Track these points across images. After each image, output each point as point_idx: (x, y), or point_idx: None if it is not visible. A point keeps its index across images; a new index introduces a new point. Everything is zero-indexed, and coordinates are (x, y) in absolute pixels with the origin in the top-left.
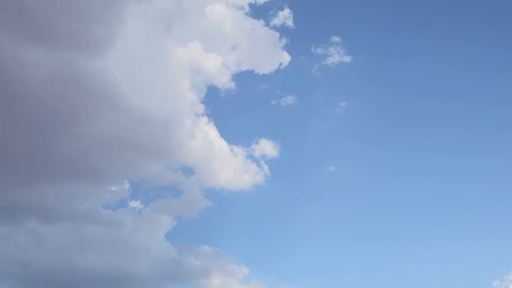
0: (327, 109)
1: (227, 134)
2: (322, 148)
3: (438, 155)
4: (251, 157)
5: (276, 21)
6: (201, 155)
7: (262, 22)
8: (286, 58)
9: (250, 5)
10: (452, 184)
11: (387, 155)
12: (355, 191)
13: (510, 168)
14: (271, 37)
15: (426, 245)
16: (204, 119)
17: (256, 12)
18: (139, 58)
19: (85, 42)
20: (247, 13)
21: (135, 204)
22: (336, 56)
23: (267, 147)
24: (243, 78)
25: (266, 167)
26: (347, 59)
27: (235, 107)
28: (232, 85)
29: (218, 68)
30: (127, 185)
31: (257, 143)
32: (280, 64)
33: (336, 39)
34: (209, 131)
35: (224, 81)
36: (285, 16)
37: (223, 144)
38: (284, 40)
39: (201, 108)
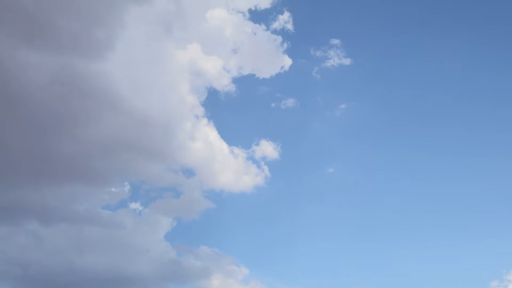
0: (327, 111)
1: (227, 135)
2: (321, 150)
3: (436, 156)
4: (251, 158)
5: (276, 25)
6: (202, 157)
7: (262, 26)
8: (287, 62)
9: (250, 9)
10: (451, 184)
11: (386, 157)
12: (354, 192)
13: (509, 168)
14: (272, 41)
15: (425, 245)
16: (204, 121)
17: (256, 16)
18: (139, 60)
19: (86, 44)
20: (247, 17)
21: (135, 205)
22: (336, 58)
23: (267, 149)
24: (244, 81)
25: (266, 168)
26: (347, 61)
27: (235, 109)
28: (232, 87)
29: (218, 71)
30: (127, 187)
31: (257, 144)
32: (282, 67)
33: (335, 41)
34: (209, 133)
35: (224, 83)
36: (285, 19)
37: (223, 145)
38: (285, 44)
39: (201, 110)
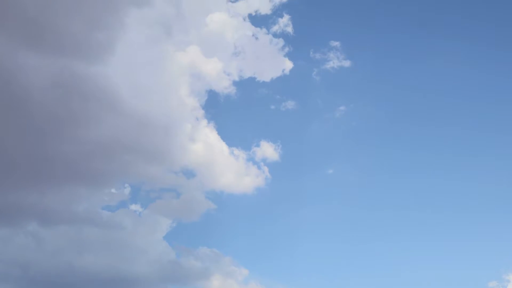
0: (327, 113)
1: (227, 137)
2: (321, 151)
3: (435, 157)
4: (251, 160)
5: (276, 28)
6: (202, 158)
7: (262, 29)
8: (288, 65)
9: (250, 12)
10: (450, 185)
11: (385, 158)
12: (353, 194)
13: (508, 168)
14: (274, 44)
15: (423, 245)
16: (205, 122)
17: (256, 19)
18: (139, 62)
19: (86, 47)
20: (247, 20)
21: (135, 206)
22: (335, 61)
23: (267, 150)
24: (244, 83)
25: (266, 169)
26: (346, 63)
27: (236, 111)
28: (232, 89)
29: (218, 73)
30: (127, 188)
31: (257, 146)
32: (283, 70)
33: (335, 43)
34: (210, 134)
35: (224, 85)
36: (284, 23)
37: (224, 147)
38: (285, 47)
39: (201, 111)
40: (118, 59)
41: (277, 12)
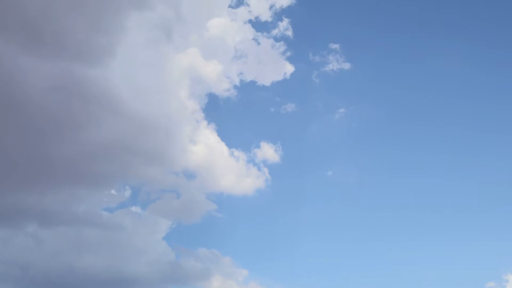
0: (326, 115)
1: (228, 139)
2: (320, 153)
3: (433, 158)
4: (252, 161)
5: (276, 32)
6: (202, 160)
7: (263, 33)
8: (289, 68)
9: (251, 16)
10: (448, 185)
11: (384, 160)
12: (352, 195)
13: (507, 168)
14: (276, 48)
15: (422, 245)
16: (205, 124)
17: (257, 23)
18: (140, 65)
19: (87, 49)
20: (248, 24)
21: (135, 207)
22: (335, 63)
23: (268, 152)
24: (244, 86)
25: (266, 171)
26: (346, 66)
27: (236, 113)
28: (233, 92)
29: (218, 76)
30: (127, 189)
31: (258, 147)
32: (284, 74)
33: (334, 46)
34: (210, 136)
35: (224, 88)
36: (284, 26)
37: (224, 148)
38: (286, 51)
39: (201, 113)
40: (118, 62)
41: (277, 15)
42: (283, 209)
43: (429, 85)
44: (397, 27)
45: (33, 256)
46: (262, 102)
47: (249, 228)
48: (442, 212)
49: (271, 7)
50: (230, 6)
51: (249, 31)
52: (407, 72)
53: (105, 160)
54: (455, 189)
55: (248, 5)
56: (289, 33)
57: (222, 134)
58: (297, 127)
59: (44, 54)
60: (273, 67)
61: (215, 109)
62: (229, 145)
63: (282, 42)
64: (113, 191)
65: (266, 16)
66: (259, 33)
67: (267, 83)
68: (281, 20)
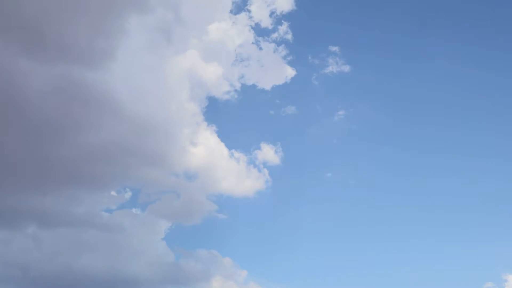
0: (326, 117)
1: (228, 140)
2: (320, 155)
3: (432, 159)
4: (252, 163)
5: (276, 36)
6: (203, 162)
7: (263, 37)
8: (290, 72)
9: (251, 22)
10: (447, 186)
11: (383, 161)
12: (351, 196)
13: (507, 168)
14: (277, 52)
15: (421, 245)
16: (205, 126)
17: (257, 27)
18: (140, 68)
19: (88, 53)
20: (247, 28)
21: (135, 208)
22: (334, 66)
23: (268, 153)
24: (245, 89)
25: (266, 172)
26: (346, 68)
27: (236, 115)
28: (233, 94)
29: (218, 79)
30: (127, 190)
31: (258, 149)
32: (285, 78)
33: (334, 48)
34: (210, 137)
35: (225, 90)
36: (284, 30)
37: (224, 150)
38: (287, 55)
39: (201, 115)
40: (119, 65)
41: (277, 19)
42: (283, 210)
43: (429, 86)
44: (396, 29)
45: (33, 257)
46: (262, 105)
47: (249, 229)
48: (441, 212)
49: (271, 14)
50: (230, 12)
51: (250, 35)
52: (406, 74)
53: (105, 161)
54: (453, 190)
55: (249, 11)
56: (289, 36)
57: (222, 136)
58: (297, 128)
59: (45, 56)
60: (275, 71)
61: (215, 111)
62: (229, 146)
63: (283, 46)
64: (113, 193)
65: (266, 23)
66: (260, 38)
67: (268, 87)
68: (281, 24)
